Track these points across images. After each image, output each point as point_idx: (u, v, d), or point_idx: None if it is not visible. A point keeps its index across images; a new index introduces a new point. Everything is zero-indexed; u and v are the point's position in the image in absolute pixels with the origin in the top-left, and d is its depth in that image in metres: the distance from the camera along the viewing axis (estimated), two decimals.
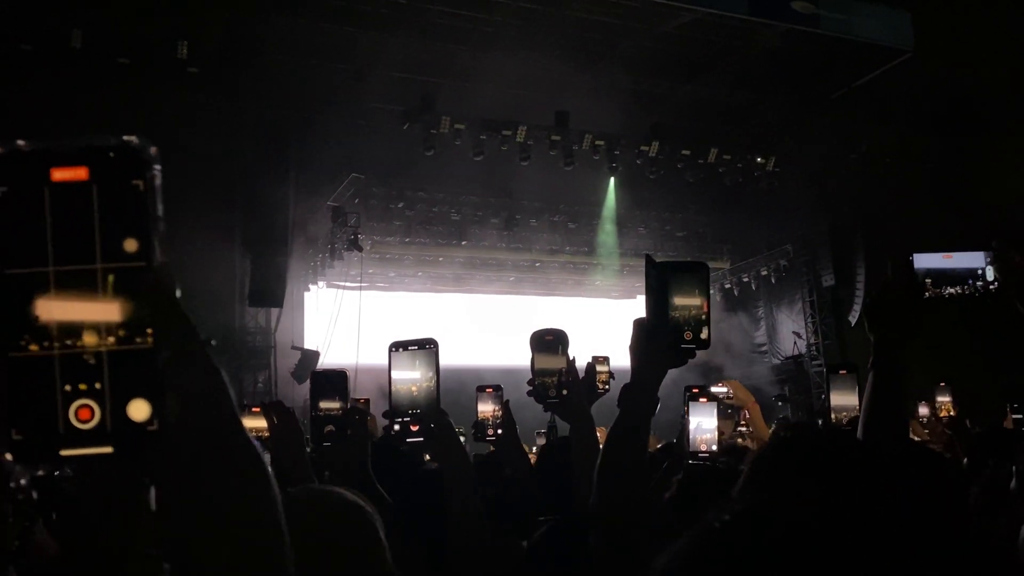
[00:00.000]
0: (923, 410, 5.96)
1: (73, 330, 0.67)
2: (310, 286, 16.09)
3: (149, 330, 0.68)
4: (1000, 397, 5.38)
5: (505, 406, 3.11)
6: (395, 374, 2.38)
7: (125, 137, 0.68)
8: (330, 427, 2.72)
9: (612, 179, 15.92)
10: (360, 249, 14.73)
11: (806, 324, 17.67)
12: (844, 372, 3.39)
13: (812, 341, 17.45)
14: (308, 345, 14.74)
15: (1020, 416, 4.98)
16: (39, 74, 10.51)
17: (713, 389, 4.39)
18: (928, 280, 1.91)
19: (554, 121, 13.87)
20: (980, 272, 1.93)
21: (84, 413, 0.67)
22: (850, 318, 16.51)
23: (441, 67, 13.03)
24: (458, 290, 18.03)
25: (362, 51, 12.32)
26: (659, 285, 1.83)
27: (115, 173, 0.68)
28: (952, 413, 5.44)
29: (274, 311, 13.95)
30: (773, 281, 17.97)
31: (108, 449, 0.67)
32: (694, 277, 1.85)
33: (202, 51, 11.41)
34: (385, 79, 12.70)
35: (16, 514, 1.04)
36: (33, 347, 0.67)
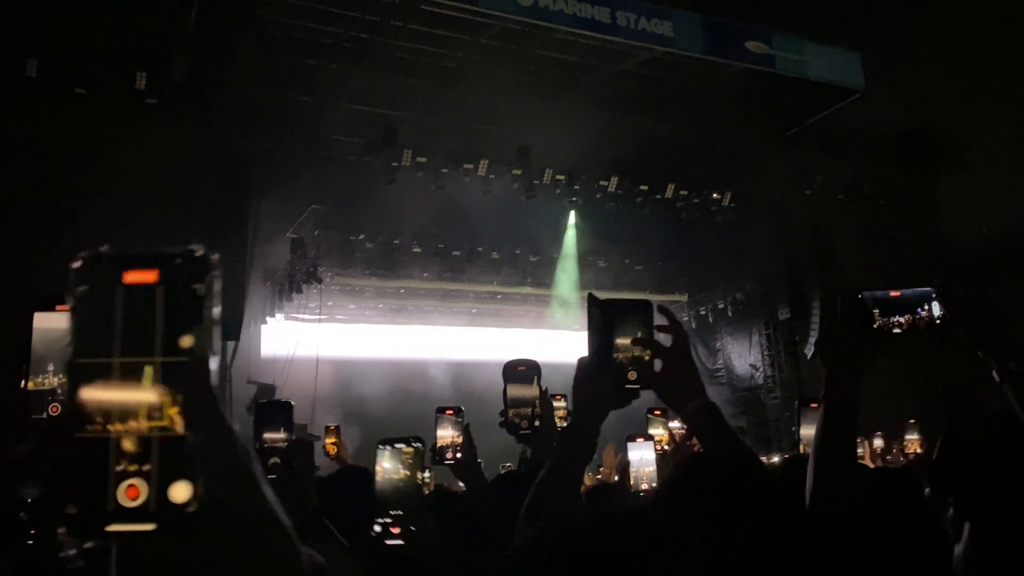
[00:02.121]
0: (878, 442, 6.04)
1: (129, 415, 0.74)
2: (267, 319, 15.85)
3: (182, 417, 0.75)
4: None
5: (465, 430, 2.97)
6: (380, 467, 2.35)
7: (191, 246, 0.76)
8: (275, 459, 2.63)
9: (572, 212, 16.06)
10: (319, 281, 14.60)
11: (763, 356, 17.88)
12: (815, 405, 3.45)
13: (769, 373, 17.65)
14: (265, 380, 14.49)
15: None
16: None
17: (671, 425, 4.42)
18: (876, 311, 1.94)
19: (516, 155, 13.97)
20: (927, 307, 1.96)
21: (132, 492, 0.72)
22: (806, 351, 16.75)
23: (404, 100, 13.08)
24: (419, 323, 17.94)
25: (325, 83, 12.32)
26: (603, 324, 1.75)
27: (179, 277, 0.75)
28: (920, 451, 5.46)
29: (230, 344, 13.71)
30: (730, 314, 18.20)
31: (151, 526, 0.73)
32: (639, 316, 1.77)
33: (161, 82, 11.30)
34: (347, 112, 12.70)
35: None
36: (94, 429, 0.73)
